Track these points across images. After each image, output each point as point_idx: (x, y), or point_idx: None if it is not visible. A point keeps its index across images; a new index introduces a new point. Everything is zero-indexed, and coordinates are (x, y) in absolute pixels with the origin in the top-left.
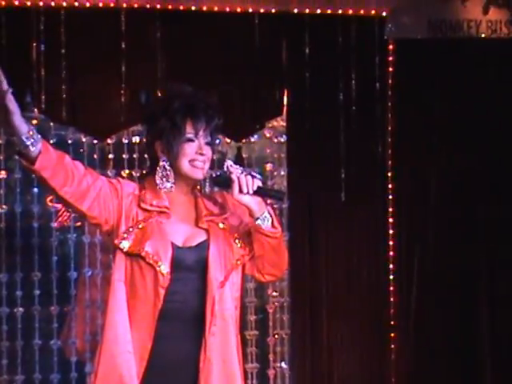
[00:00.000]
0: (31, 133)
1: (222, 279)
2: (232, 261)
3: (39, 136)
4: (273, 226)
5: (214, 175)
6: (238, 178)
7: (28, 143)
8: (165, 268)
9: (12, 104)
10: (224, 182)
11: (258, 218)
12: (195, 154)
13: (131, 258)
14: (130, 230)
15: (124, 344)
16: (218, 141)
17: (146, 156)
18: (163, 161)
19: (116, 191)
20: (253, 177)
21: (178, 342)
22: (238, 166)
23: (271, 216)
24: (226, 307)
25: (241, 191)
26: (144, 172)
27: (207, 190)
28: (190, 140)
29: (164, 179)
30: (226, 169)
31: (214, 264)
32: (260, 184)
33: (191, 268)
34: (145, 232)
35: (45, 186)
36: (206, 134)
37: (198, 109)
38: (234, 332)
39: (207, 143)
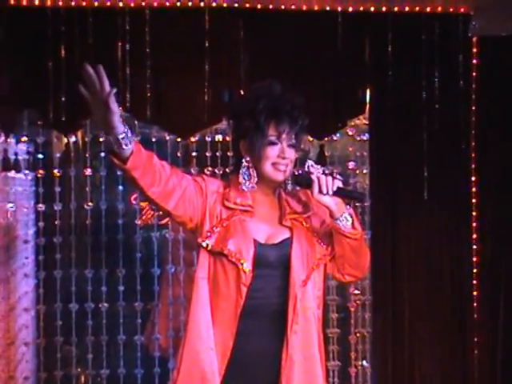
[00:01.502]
0: (127, 133)
1: (304, 277)
2: (314, 260)
3: (133, 136)
4: (353, 227)
5: (295, 174)
6: (318, 178)
7: (123, 143)
8: (247, 266)
9: (113, 104)
10: (305, 181)
11: (337, 219)
12: (277, 157)
13: (214, 255)
14: (214, 228)
15: (207, 341)
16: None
17: (229, 154)
18: (247, 161)
19: (201, 190)
20: (333, 177)
21: (259, 340)
22: (319, 166)
23: (351, 217)
24: (308, 306)
25: (320, 191)
26: (229, 170)
27: (290, 187)
28: (273, 143)
29: (247, 179)
30: (306, 168)
31: (297, 262)
32: (340, 185)
33: (273, 265)
34: (228, 230)
35: (133, 186)
36: (289, 137)
37: (282, 111)
38: (316, 331)
39: (290, 145)
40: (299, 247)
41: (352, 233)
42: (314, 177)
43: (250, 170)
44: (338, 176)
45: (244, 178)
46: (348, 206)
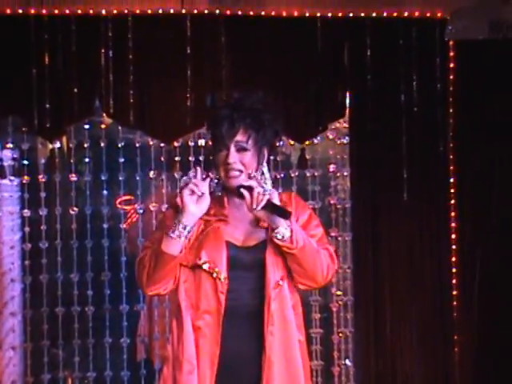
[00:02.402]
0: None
1: (279, 279)
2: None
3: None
4: (290, 241)
5: (239, 185)
6: (250, 193)
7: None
8: (222, 274)
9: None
10: (240, 194)
11: (273, 231)
12: (224, 163)
13: (193, 270)
14: (189, 242)
15: (188, 362)
16: (281, 142)
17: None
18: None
19: None
20: (264, 193)
21: (240, 342)
22: (254, 181)
23: (290, 231)
24: (284, 307)
25: (251, 207)
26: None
27: None
28: (221, 150)
29: (216, 185)
30: (247, 181)
31: (271, 263)
32: (273, 200)
33: (248, 267)
34: (201, 242)
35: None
36: (238, 142)
37: (225, 116)
38: (296, 331)
39: (239, 149)
40: (273, 249)
41: (288, 246)
42: (244, 191)
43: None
44: (267, 190)
45: (216, 184)
46: (288, 222)
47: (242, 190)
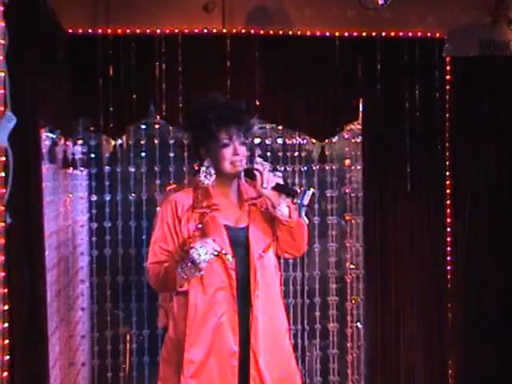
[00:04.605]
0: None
1: (261, 251)
2: (268, 236)
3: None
4: (289, 216)
5: (245, 168)
6: (261, 174)
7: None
8: (229, 256)
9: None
10: (249, 175)
11: (275, 208)
12: (232, 155)
13: None
14: (193, 233)
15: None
16: (305, 141)
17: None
18: (206, 162)
19: (174, 220)
20: (274, 175)
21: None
22: (266, 163)
23: (288, 208)
24: (267, 273)
25: (262, 185)
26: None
27: (243, 180)
28: (226, 145)
29: (206, 177)
30: (255, 165)
31: (253, 239)
32: (280, 181)
33: (241, 244)
34: (204, 231)
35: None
36: (238, 137)
37: (229, 118)
38: (277, 295)
39: (241, 143)
40: (255, 228)
41: (288, 221)
42: (257, 172)
43: (210, 169)
44: (277, 173)
45: (205, 177)
46: (286, 199)
47: (255, 171)
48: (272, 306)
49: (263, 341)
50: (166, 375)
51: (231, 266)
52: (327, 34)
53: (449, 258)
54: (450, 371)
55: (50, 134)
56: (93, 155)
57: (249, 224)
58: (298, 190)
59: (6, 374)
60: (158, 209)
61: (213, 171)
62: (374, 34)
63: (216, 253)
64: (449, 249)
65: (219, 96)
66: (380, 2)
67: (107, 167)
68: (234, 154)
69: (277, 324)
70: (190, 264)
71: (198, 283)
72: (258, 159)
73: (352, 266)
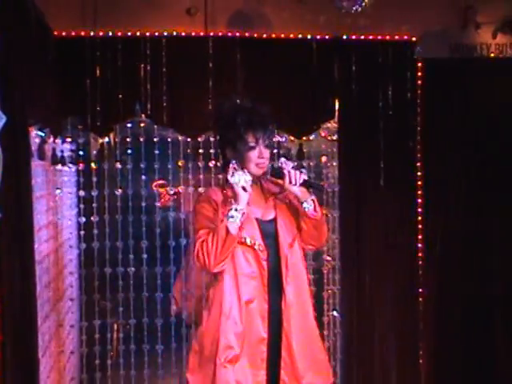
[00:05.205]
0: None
1: (290, 241)
2: (294, 229)
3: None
4: (314, 210)
5: (272, 168)
6: (289, 172)
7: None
8: (261, 246)
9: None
10: (278, 174)
11: (302, 203)
12: (258, 158)
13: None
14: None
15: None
16: (284, 138)
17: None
18: (233, 163)
19: (214, 210)
20: (300, 172)
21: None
22: (290, 162)
23: (314, 202)
24: (296, 261)
25: (290, 182)
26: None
27: (268, 177)
28: (253, 147)
29: (239, 175)
30: (280, 164)
31: (282, 230)
32: (305, 178)
33: (271, 235)
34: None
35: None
36: (263, 140)
37: (256, 122)
38: (305, 281)
39: (266, 146)
40: (283, 221)
41: (314, 214)
42: (285, 171)
43: (237, 170)
44: (303, 171)
45: (232, 176)
46: (312, 195)
47: (284, 171)
48: (302, 293)
49: (295, 325)
50: (195, 366)
51: (263, 257)
52: (305, 36)
53: (420, 246)
54: (420, 360)
55: (40, 133)
56: (81, 152)
57: (276, 217)
58: (324, 185)
59: None
60: (144, 204)
61: (246, 172)
62: (349, 37)
63: (250, 177)
64: (420, 237)
65: (246, 100)
66: (355, 6)
67: (95, 164)
68: (260, 156)
69: (307, 310)
70: (232, 206)
71: (231, 274)
72: (282, 159)
73: (328, 258)
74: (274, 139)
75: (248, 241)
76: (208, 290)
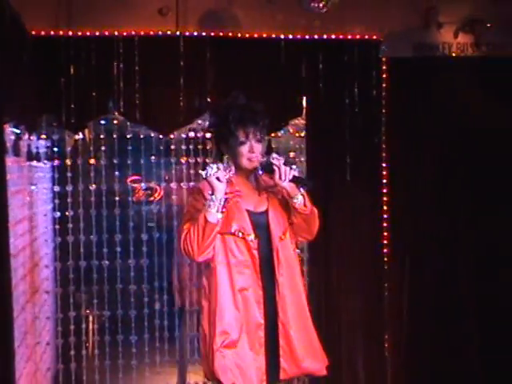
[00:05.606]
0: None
1: (281, 234)
2: (285, 222)
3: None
4: (304, 204)
5: (262, 163)
6: (279, 167)
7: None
8: (252, 237)
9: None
10: (269, 169)
11: (292, 198)
12: (249, 152)
13: (224, 236)
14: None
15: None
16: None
17: (199, 147)
18: (226, 158)
19: None
20: (290, 168)
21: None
22: (280, 158)
23: (304, 197)
24: (288, 253)
25: (280, 178)
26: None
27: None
28: (243, 143)
29: (227, 170)
30: (271, 159)
31: (274, 224)
32: (296, 174)
33: (262, 227)
34: (228, 214)
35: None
36: (254, 135)
37: (247, 118)
38: (298, 273)
39: (257, 141)
40: (274, 213)
41: (303, 209)
42: (275, 167)
43: (230, 164)
44: (293, 167)
45: (225, 170)
46: (301, 189)
47: (274, 166)
48: (295, 284)
49: (291, 315)
50: (203, 355)
51: (254, 246)
52: (273, 36)
53: (385, 241)
54: (386, 351)
55: (15, 129)
56: (56, 149)
57: (268, 209)
58: (313, 181)
59: None
60: (117, 199)
61: (232, 165)
62: (316, 36)
63: (230, 170)
64: (386, 234)
65: (240, 97)
66: (321, 6)
67: (69, 160)
68: (250, 151)
69: (300, 300)
70: (209, 196)
71: (224, 263)
72: (274, 154)
73: (297, 251)
74: (265, 134)
75: (237, 232)
76: (202, 280)
